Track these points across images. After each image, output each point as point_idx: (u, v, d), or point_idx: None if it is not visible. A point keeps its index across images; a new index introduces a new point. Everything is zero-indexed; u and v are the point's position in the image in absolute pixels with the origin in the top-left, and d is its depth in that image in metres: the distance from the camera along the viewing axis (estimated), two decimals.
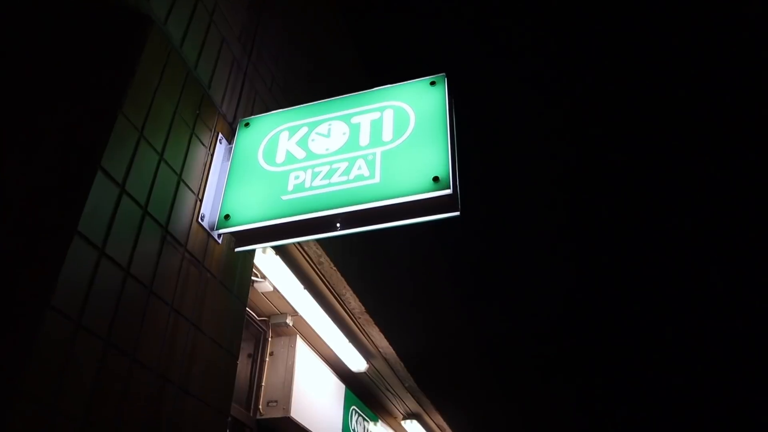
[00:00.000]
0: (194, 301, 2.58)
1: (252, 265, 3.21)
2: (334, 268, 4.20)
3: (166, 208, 2.50)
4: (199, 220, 2.71)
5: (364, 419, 5.67)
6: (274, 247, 3.77)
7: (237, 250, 2.86)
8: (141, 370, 2.18)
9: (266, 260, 3.87)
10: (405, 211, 2.53)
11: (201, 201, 2.76)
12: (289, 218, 2.59)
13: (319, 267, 4.20)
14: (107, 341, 2.04)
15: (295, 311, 4.50)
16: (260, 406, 4.42)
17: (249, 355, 4.65)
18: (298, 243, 3.95)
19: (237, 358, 2.84)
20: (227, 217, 2.73)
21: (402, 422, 6.48)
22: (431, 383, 6.22)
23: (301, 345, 4.71)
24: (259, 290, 4.27)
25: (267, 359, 4.62)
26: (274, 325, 4.69)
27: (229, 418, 4.12)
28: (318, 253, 4.06)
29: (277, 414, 4.38)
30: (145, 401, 2.19)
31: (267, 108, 3.53)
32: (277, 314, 4.65)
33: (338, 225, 2.62)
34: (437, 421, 6.67)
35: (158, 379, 2.27)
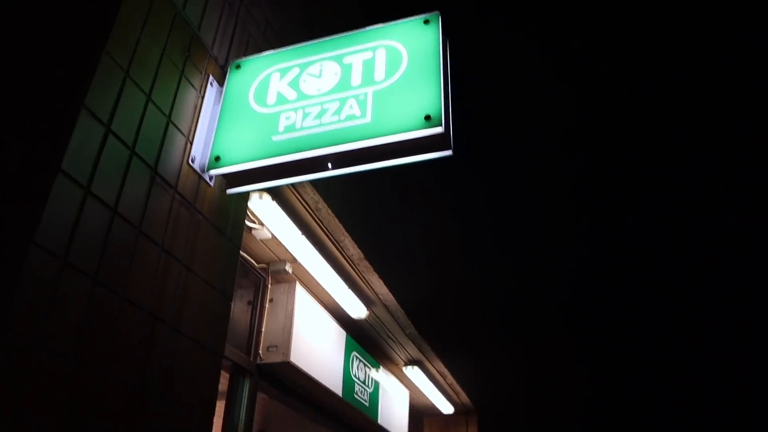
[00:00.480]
0: (185, 242, 2.57)
1: (246, 208, 3.19)
2: (332, 214, 4.19)
3: (154, 150, 2.48)
4: (190, 162, 2.69)
5: (365, 365, 5.74)
6: (269, 193, 3.75)
7: (229, 191, 2.84)
8: (131, 309, 2.19)
9: (263, 206, 3.85)
10: (397, 151, 2.50)
11: (191, 143, 2.73)
12: (279, 158, 2.57)
13: (316, 213, 4.19)
14: (95, 279, 2.04)
15: (294, 258, 4.51)
16: (260, 351, 4.46)
17: (249, 302, 4.67)
18: (295, 189, 3.93)
19: (231, 300, 2.85)
20: (218, 158, 2.70)
21: (404, 368, 6.55)
22: (432, 330, 6.26)
23: (300, 291, 4.73)
24: (257, 237, 4.27)
25: (267, 306, 4.64)
26: (273, 272, 4.70)
27: (229, 363, 4.18)
28: (315, 199, 4.04)
29: (277, 359, 4.42)
30: (137, 340, 2.20)
31: (260, 51, 3.46)
32: (276, 261, 4.65)
33: (329, 165, 2.60)
34: (438, 367, 6.74)
35: (149, 319, 2.28)
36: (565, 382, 16.14)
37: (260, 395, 5.36)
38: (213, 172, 2.71)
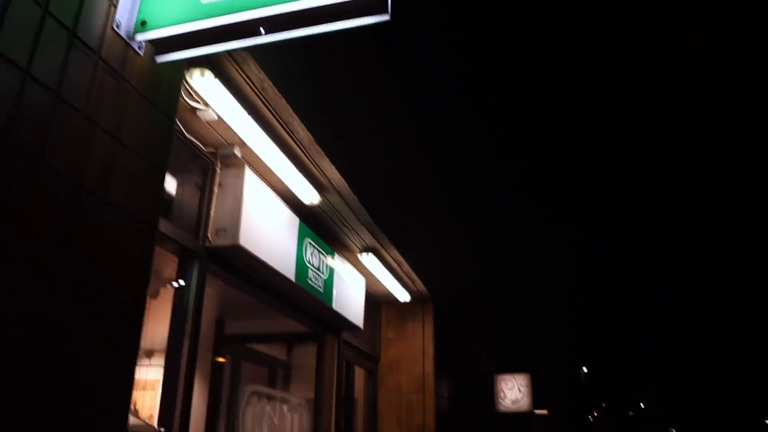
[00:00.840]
0: (112, 112, 2.46)
1: (181, 79, 3.06)
2: (279, 94, 4.06)
3: (72, 11, 2.32)
4: (115, 27, 2.53)
5: (319, 252, 5.75)
6: (212, 70, 3.60)
7: (158, 59, 2.70)
8: (50, 174, 2.10)
9: (206, 85, 3.71)
10: (331, 14, 2.38)
11: (116, 7, 2.56)
12: (208, 21, 2.44)
13: (262, 93, 4.05)
14: (6, 142, 1.93)
15: (243, 142, 4.40)
16: (209, 235, 4.42)
17: (198, 186, 4.59)
18: (238, 66, 3.77)
19: (164, 172, 2.77)
20: (144, 23, 2.55)
21: (359, 256, 6.60)
22: (387, 218, 6.26)
23: (250, 176, 4.65)
24: (203, 119, 4.14)
25: (216, 190, 4.57)
26: (222, 156, 4.59)
27: (178, 246, 4.14)
28: (260, 77, 3.90)
29: (226, 242, 4.40)
30: (58, 207, 2.13)
31: None
32: (225, 145, 4.54)
33: (262, 30, 2.47)
34: (394, 255, 6.80)
35: (72, 186, 2.20)
36: (519, 271, 16.54)
37: (216, 282, 5.38)
38: (139, 36, 2.57)
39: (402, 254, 6.80)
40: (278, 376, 7.57)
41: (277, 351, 7.61)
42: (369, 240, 6.36)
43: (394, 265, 7.12)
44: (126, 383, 2.42)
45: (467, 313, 11.42)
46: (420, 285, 7.91)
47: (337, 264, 6.23)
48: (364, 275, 7.02)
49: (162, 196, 2.77)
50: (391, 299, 8.15)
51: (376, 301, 8.29)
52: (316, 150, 4.67)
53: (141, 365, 7.19)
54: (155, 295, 6.22)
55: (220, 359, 7.10)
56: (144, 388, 7.01)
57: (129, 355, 2.45)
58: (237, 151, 4.52)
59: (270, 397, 5.90)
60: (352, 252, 6.62)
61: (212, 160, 4.62)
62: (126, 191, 2.48)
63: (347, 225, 5.98)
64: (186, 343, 4.15)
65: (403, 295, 7.93)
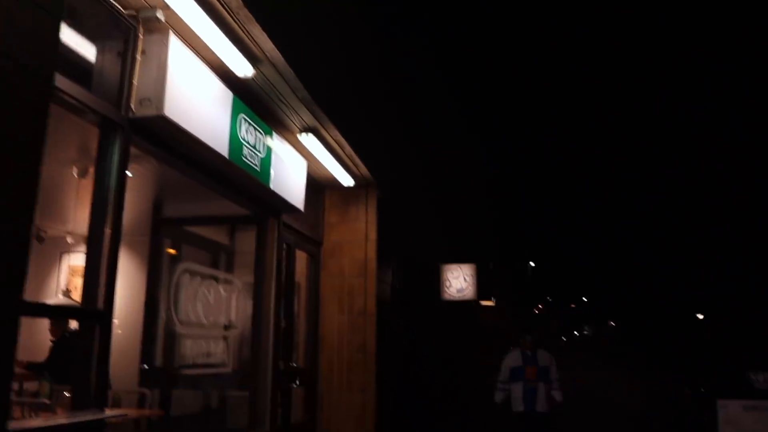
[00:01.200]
0: None
1: None
2: None
3: None
4: None
5: (255, 129, 5.51)
6: None
7: None
8: None
9: None
10: None
11: None
12: None
13: None
14: None
15: (165, 3, 4.09)
16: (132, 105, 4.17)
17: (119, 54, 4.29)
18: None
19: (59, 20, 2.52)
20: None
21: (299, 136, 6.39)
22: (327, 95, 6.01)
23: (176, 43, 4.34)
24: None
25: (138, 57, 4.28)
26: (144, 20, 4.26)
27: (98, 117, 3.90)
28: None
29: (150, 112, 4.15)
30: None
31: None
32: (147, 8, 4.22)
33: None
34: (335, 136, 6.58)
35: None
36: (467, 161, 16.51)
37: (149, 161, 5.18)
38: None
39: (343, 135, 6.61)
40: (220, 260, 7.50)
41: (218, 235, 7.52)
42: (309, 119, 6.14)
43: (336, 146, 6.93)
44: (20, 249, 2.28)
45: (413, 201, 11.42)
46: (363, 169, 7.77)
47: (276, 144, 6.03)
48: (305, 157, 6.85)
49: (58, 47, 2.52)
50: (334, 183, 8.03)
51: (320, 185, 8.17)
52: (245, 15, 4.37)
53: (78, 251, 7.05)
54: (84, 174, 5.98)
55: (160, 244, 6.99)
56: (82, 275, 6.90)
57: (23, 216, 2.29)
58: (160, 15, 4.21)
59: (204, 276, 5.83)
60: (292, 132, 6.41)
61: (134, 24, 4.31)
62: (14, 39, 2.24)
63: (285, 102, 5.74)
64: (109, 216, 4.00)
65: (346, 179, 7.82)
